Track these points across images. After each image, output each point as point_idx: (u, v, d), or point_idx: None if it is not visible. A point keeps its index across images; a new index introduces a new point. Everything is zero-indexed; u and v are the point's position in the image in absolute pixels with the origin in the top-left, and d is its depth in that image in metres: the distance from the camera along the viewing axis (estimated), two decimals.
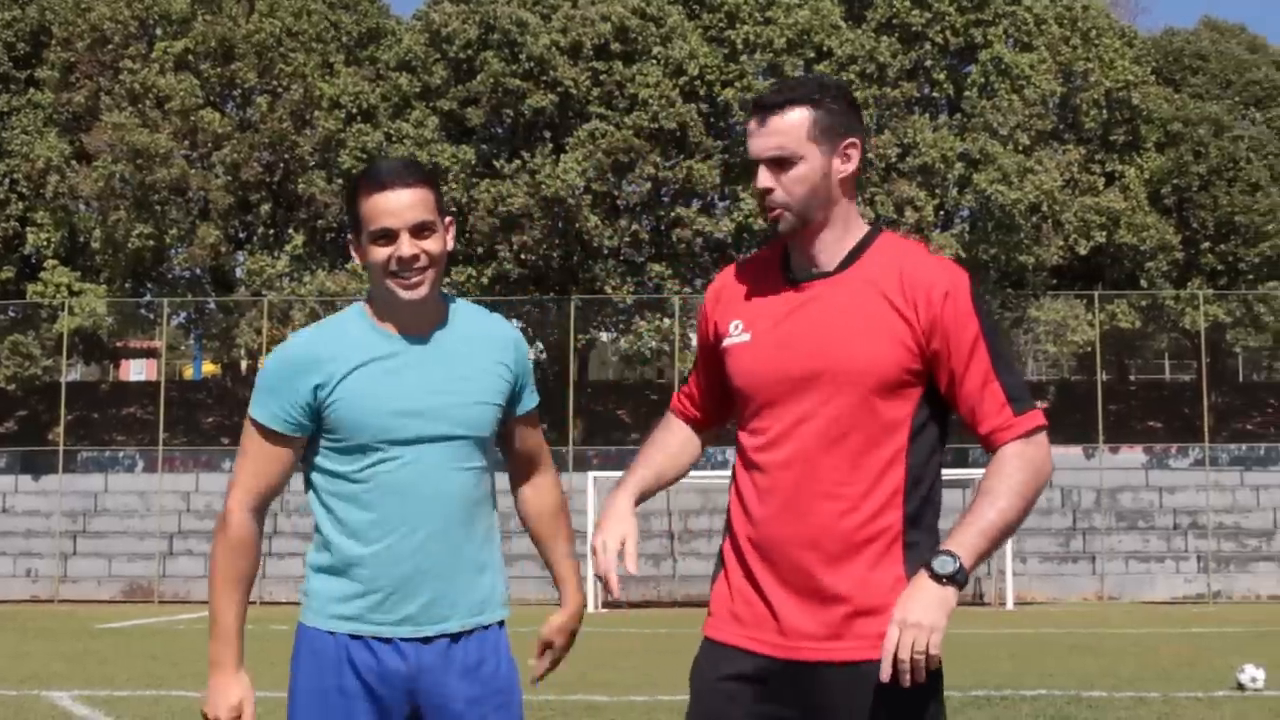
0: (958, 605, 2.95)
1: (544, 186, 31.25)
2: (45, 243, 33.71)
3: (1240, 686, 12.28)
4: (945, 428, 3.22)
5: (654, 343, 32.97)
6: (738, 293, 3.30)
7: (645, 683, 13.04)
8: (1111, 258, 34.42)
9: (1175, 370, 52.33)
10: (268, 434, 3.40)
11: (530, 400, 3.60)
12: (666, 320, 32.74)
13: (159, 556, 30.24)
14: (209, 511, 30.65)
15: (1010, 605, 26.95)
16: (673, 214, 32.66)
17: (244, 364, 37.24)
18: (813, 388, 3.10)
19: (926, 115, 33.16)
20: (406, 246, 3.28)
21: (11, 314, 35.24)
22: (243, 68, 33.66)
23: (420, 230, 3.30)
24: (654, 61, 32.16)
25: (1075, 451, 33.97)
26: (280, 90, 33.67)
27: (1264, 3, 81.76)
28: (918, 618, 2.98)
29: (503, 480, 3.66)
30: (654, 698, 11.79)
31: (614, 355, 42.81)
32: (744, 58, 32.42)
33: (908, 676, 2.97)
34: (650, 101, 31.55)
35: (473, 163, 32.29)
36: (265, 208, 34.42)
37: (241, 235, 35.80)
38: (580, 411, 32.95)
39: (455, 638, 3.39)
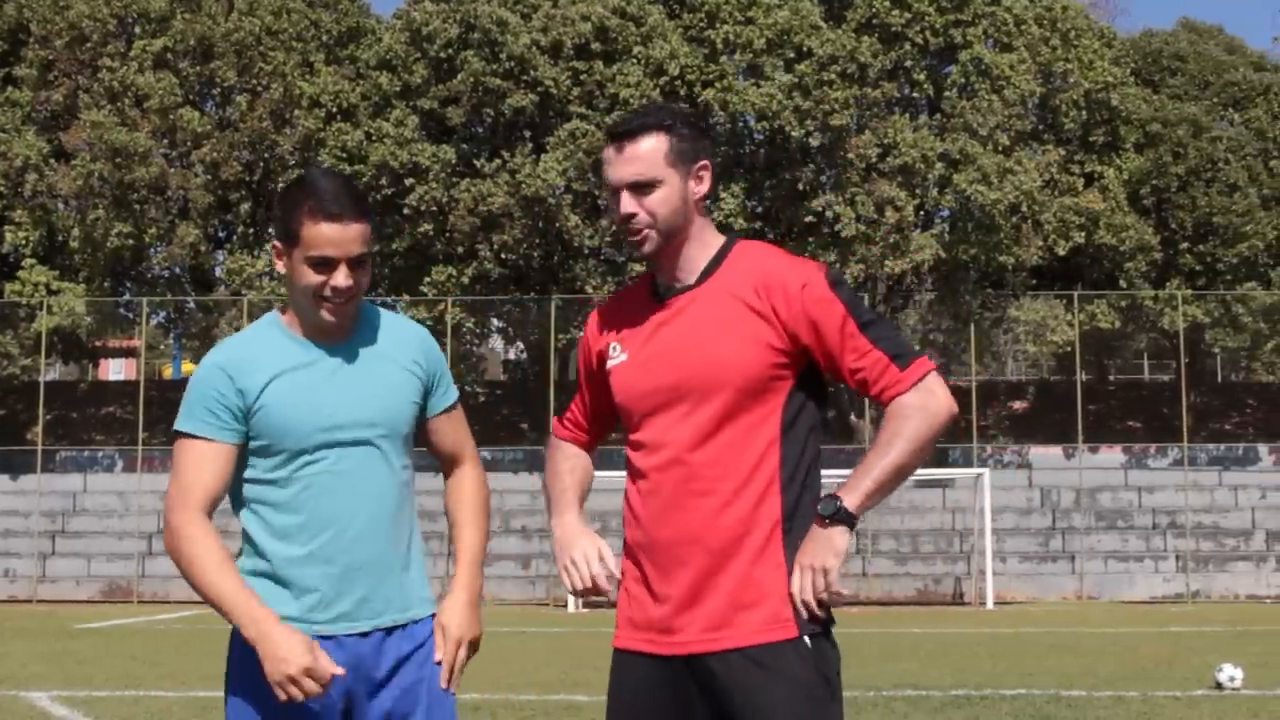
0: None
1: (524, 186, 31.22)
2: (23, 241, 33.55)
3: (1219, 686, 12.33)
4: (823, 418, 3.36)
5: None
6: (614, 320, 3.47)
7: None
8: (1091, 258, 34.51)
9: (1154, 370, 52.56)
10: (198, 442, 3.42)
11: (445, 398, 3.69)
12: None
13: (138, 556, 30.15)
14: None
15: (990, 605, 27.02)
16: None
17: None
18: (683, 395, 3.26)
19: (906, 115, 33.19)
20: (343, 277, 3.38)
21: None
22: (222, 66, 33.56)
23: (357, 261, 3.40)
24: (634, 61, 32.15)
25: (1055, 451, 34.10)
26: (260, 89, 33.58)
27: (1241, 4, 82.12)
28: (809, 560, 3.16)
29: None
30: None
31: None
32: (724, 58, 32.41)
33: (804, 612, 3.17)
34: (631, 101, 31.52)
35: (453, 162, 32.24)
36: (245, 207, 34.33)
37: (221, 234, 35.70)
38: (561, 411, 32.88)
39: (389, 631, 3.48)
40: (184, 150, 33.60)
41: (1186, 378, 33.56)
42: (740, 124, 33.01)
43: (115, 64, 33.37)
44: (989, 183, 31.34)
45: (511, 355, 43.10)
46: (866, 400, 3.06)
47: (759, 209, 34.04)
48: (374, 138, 32.29)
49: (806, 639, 3.18)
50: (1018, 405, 40.40)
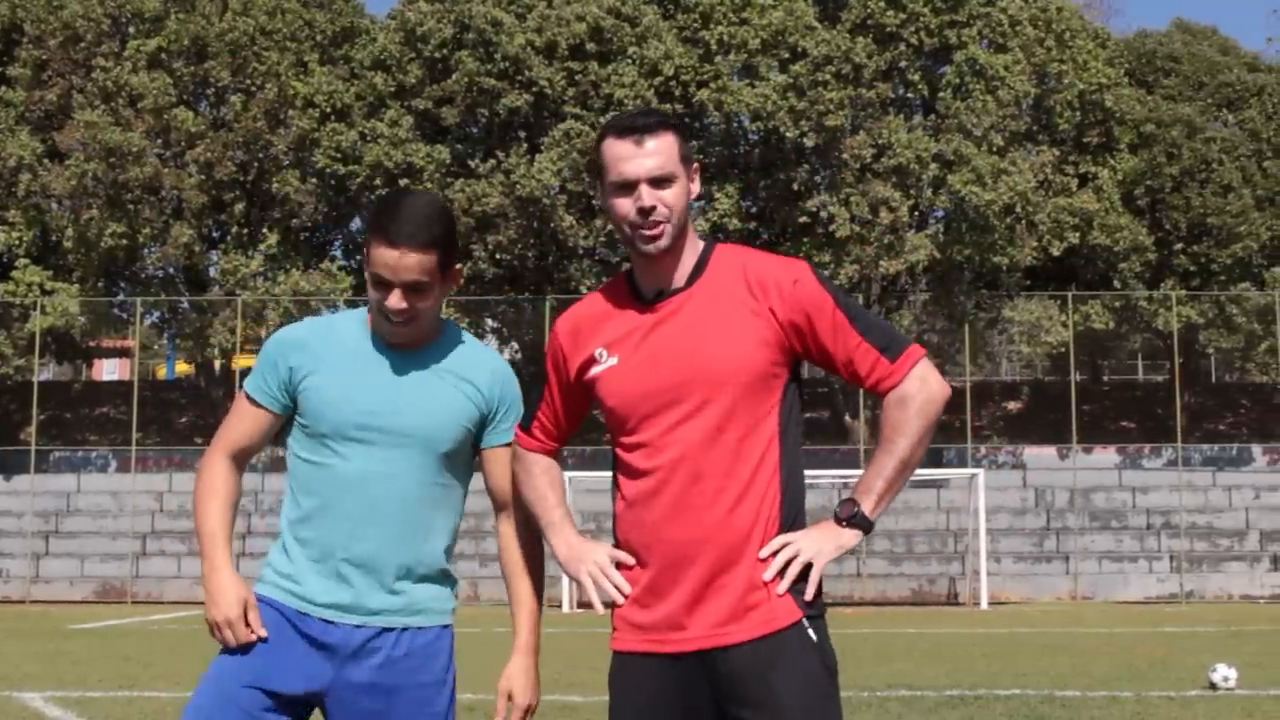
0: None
1: (519, 186, 31.22)
2: (17, 241, 33.52)
3: (1213, 686, 12.33)
4: (802, 410, 3.42)
5: None
6: (594, 324, 3.45)
7: None
8: (1085, 259, 34.54)
9: (1148, 371, 52.58)
10: (249, 400, 3.64)
11: (499, 437, 3.69)
12: None
13: (132, 557, 30.11)
14: (182, 511, 30.54)
15: (984, 605, 27.04)
16: None
17: (217, 364, 37.07)
18: (686, 394, 3.27)
19: (901, 116, 33.21)
20: (396, 299, 3.46)
21: None
22: (216, 66, 33.53)
23: (414, 288, 3.46)
24: (629, 62, 32.15)
25: (1049, 451, 34.15)
26: (254, 89, 33.55)
27: (1235, 5, 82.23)
28: (807, 543, 3.24)
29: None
30: None
31: None
32: (719, 58, 32.41)
33: (772, 572, 3.21)
34: (625, 101, 31.52)
35: (447, 162, 32.23)
36: (239, 207, 34.28)
37: (215, 234, 35.67)
38: None
39: (387, 632, 3.53)
40: (178, 150, 33.56)
41: (1181, 378, 33.59)
42: (735, 124, 33.02)
43: (109, 64, 33.33)
44: (983, 183, 31.36)
45: (506, 355, 43.13)
46: (860, 401, 3.12)
47: (754, 209, 34.05)
48: (368, 138, 32.28)
49: (808, 627, 3.23)
50: (1012, 406, 40.44)
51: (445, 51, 32.38)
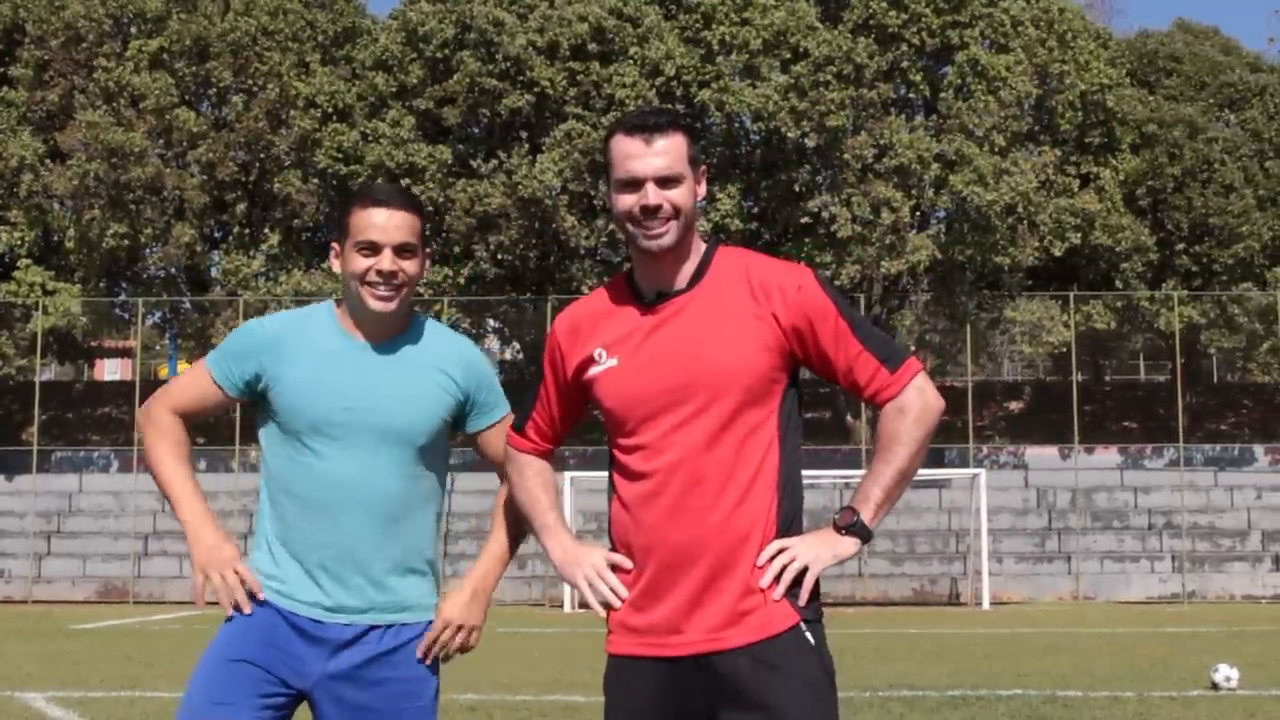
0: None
1: (521, 186, 31.22)
2: (19, 242, 33.52)
3: (1214, 686, 12.34)
4: (801, 415, 3.42)
5: None
6: (594, 324, 3.43)
7: None
8: (1087, 259, 34.52)
9: (1150, 371, 52.55)
10: (210, 378, 3.71)
11: (490, 415, 3.75)
12: None
13: (134, 557, 30.12)
14: None
15: (986, 605, 27.03)
16: None
17: None
18: (687, 397, 3.26)
19: (903, 116, 33.19)
20: (387, 261, 3.51)
21: None
22: (218, 66, 33.53)
23: (402, 250, 3.53)
24: (630, 62, 32.14)
25: (1050, 451, 34.12)
26: (256, 89, 33.55)
27: (1237, 5, 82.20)
28: (804, 549, 3.25)
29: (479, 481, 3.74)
30: None
31: None
32: (720, 58, 32.40)
33: (768, 578, 3.21)
34: (627, 102, 31.52)
35: (449, 162, 32.23)
36: (240, 207, 34.30)
37: (217, 234, 35.68)
38: None
39: (375, 629, 3.55)
40: (180, 150, 33.57)
41: (1182, 378, 33.58)
42: (736, 124, 33.01)
43: (111, 64, 33.34)
44: (985, 183, 31.35)
45: (508, 355, 43.12)
46: (862, 402, 3.13)
47: (755, 209, 34.04)
48: (370, 138, 32.28)
49: (806, 631, 3.22)
50: (1014, 406, 40.41)
51: (447, 52, 32.38)
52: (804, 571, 3.22)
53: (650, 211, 3.28)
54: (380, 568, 3.54)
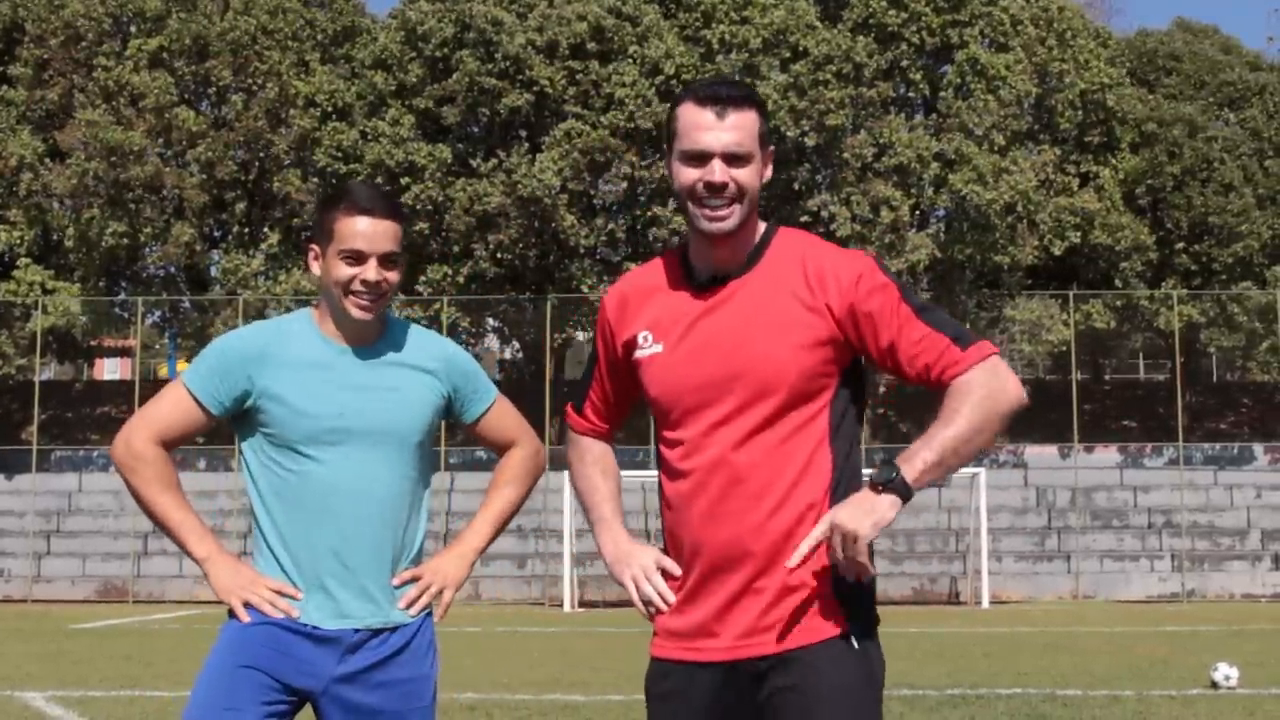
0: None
1: (520, 186, 31.22)
2: (18, 241, 33.52)
3: (1214, 685, 12.34)
4: (861, 415, 3.24)
5: None
6: (641, 303, 3.28)
7: (622, 682, 13.00)
8: (1086, 258, 34.53)
9: (1150, 370, 52.55)
10: (194, 400, 3.59)
11: (479, 404, 3.77)
12: None
13: (133, 556, 30.11)
14: None
15: (986, 604, 27.03)
16: (649, 213, 32.66)
17: None
18: (730, 392, 3.11)
19: (902, 115, 33.21)
20: (373, 272, 3.50)
21: None
22: (217, 65, 33.53)
23: (386, 260, 3.52)
24: (630, 61, 32.14)
25: (1050, 451, 34.11)
26: (255, 88, 33.55)
27: (1237, 4, 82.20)
28: (842, 519, 2.96)
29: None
30: (631, 696, 11.75)
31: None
32: (720, 57, 32.41)
33: (797, 558, 3.00)
34: (626, 101, 31.54)
35: (449, 161, 32.23)
36: (240, 206, 34.29)
37: (216, 234, 35.67)
38: (557, 411, 32.91)
39: (374, 633, 3.55)
40: (179, 149, 33.57)
41: (1182, 377, 33.58)
42: None
43: (110, 63, 33.34)
44: (984, 183, 31.36)
45: (507, 355, 43.15)
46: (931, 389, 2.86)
47: None
48: (369, 137, 32.28)
49: (853, 640, 3.08)
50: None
51: (446, 51, 32.37)
52: (853, 542, 2.94)
53: (715, 189, 3.09)
54: (383, 570, 3.56)
